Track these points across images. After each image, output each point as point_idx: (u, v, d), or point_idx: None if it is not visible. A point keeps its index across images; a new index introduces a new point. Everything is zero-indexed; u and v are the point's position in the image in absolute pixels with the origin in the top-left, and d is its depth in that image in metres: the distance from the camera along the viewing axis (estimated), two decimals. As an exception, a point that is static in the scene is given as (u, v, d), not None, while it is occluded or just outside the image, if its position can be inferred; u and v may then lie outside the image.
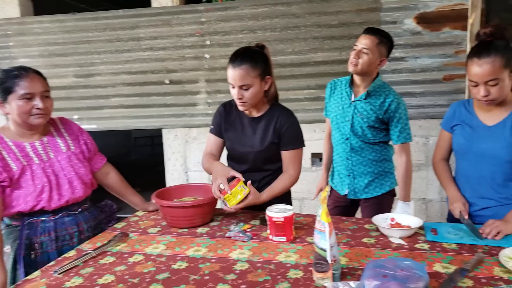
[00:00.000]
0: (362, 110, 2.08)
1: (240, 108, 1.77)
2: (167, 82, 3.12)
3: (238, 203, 1.65)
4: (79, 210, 1.72)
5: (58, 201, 1.61)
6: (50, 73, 3.28)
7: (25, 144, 1.62)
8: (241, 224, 1.74)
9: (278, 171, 1.89)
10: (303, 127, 2.99)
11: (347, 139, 2.15)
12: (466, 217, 1.61)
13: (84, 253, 1.49)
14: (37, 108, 1.58)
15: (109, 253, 1.52)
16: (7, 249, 1.58)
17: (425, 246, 1.46)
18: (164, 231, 1.72)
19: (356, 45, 2.01)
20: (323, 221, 1.21)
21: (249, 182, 1.68)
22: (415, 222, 1.60)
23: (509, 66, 1.51)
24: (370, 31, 2.02)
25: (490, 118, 1.66)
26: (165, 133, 3.24)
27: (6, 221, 1.61)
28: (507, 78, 1.53)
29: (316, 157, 3.12)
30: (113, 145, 6.92)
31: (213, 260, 1.43)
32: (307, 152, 3.08)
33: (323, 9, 2.86)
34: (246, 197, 1.67)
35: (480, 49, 1.53)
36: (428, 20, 2.78)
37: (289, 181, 1.82)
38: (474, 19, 2.72)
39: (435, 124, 2.87)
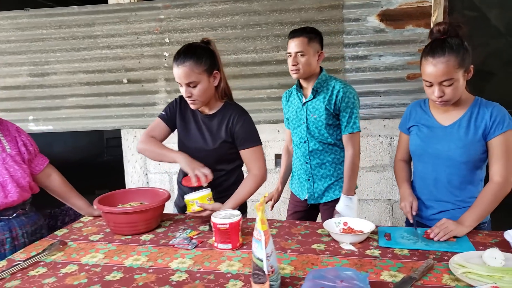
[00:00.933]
0: (314, 110, 2.05)
1: (192, 106, 1.72)
2: (125, 81, 2.99)
3: (199, 211, 1.65)
4: (14, 215, 1.61)
5: None
6: (3, 72, 3.15)
7: None
8: (188, 230, 1.65)
9: (232, 171, 1.85)
10: (266, 127, 2.95)
11: (305, 142, 2.12)
12: (414, 213, 1.58)
13: (15, 263, 1.38)
14: None
15: (42, 263, 1.41)
16: None
17: (376, 252, 1.39)
18: (107, 239, 1.62)
19: (289, 52, 1.99)
20: (259, 229, 1.13)
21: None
22: (367, 226, 1.54)
23: (463, 65, 1.46)
24: (295, 33, 2.00)
25: (446, 118, 1.61)
26: (124, 134, 3.11)
27: None
28: (462, 78, 1.48)
29: (280, 158, 3.04)
30: (85, 146, 6.75)
31: (151, 271, 1.33)
32: (270, 153, 3.01)
33: (284, 6, 2.79)
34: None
35: (434, 48, 1.48)
36: (391, 18, 2.73)
37: (253, 181, 1.77)
38: (437, 17, 2.69)
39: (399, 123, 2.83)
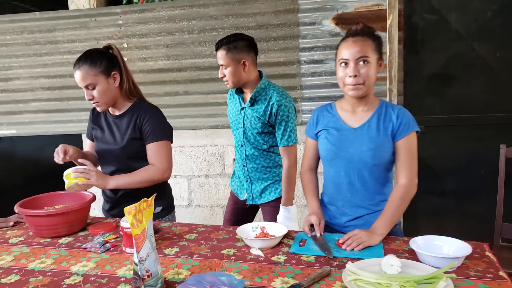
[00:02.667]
0: (250, 117, 2.05)
1: (98, 109, 1.81)
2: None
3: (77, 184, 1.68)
4: None
5: None
6: (-32, 78, 3.16)
7: None
8: (107, 234, 1.64)
9: None
10: (224, 131, 2.94)
11: (242, 146, 2.12)
12: (319, 234, 1.50)
13: None
14: None
15: None
16: None
17: (282, 258, 1.37)
18: (26, 241, 1.63)
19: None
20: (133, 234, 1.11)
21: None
22: (281, 231, 1.51)
23: (378, 52, 1.50)
24: (219, 45, 1.99)
25: (354, 120, 1.59)
26: (85, 139, 3.11)
27: None
28: (375, 65, 1.49)
29: (240, 163, 3.02)
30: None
31: (49, 274, 1.33)
32: (229, 157, 2.99)
33: (240, 11, 2.78)
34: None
35: (353, 31, 1.52)
36: (347, 21, 2.71)
37: (151, 172, 1.77)
38: (392, 20, 2.66)
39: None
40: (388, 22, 2.67)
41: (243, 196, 2.18)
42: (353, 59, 1.46)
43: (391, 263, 1.20)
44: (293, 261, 1.34)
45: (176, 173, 3.05)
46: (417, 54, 2.88)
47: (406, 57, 2.85)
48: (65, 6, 3.06)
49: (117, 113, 1.85)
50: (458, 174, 2.95)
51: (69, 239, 1.63)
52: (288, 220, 2.05)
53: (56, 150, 1.73)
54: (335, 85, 2.77)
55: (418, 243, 1.32)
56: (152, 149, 1.79)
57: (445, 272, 1.14)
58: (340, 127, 1.60)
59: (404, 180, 1.53)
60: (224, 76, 2.00)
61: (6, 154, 4.71)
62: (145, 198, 1.16)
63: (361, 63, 1.47)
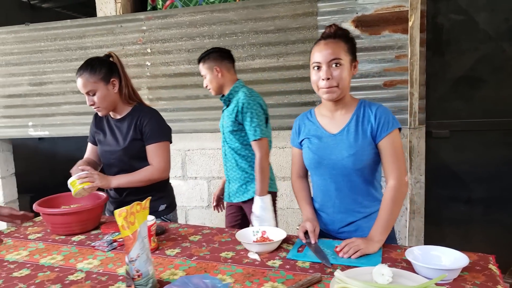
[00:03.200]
0: (225, 117, 2.25)
1: (99, 114, 1.92)
2: (112, 90, 3.13)
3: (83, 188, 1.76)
4: None
5: None
6: (7, 82, 3.39)
7: None
8: (116, 233, 1.71)
9: None
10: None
11: (223, 146, 2.34)
12: (313, 241, 1.48)
13: None
14: None
15: None
16: None
17: (278, 263, 1.37)
18: (43, 238, 1.73)
19: None
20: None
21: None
22: (279, 236, 1.52)
23: (351, 54, 1.48)
24: (198, 59, 2.31)
25: (333, 125, 1.56)
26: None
27: None
28: (348, 67, 1.47)
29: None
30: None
31: (56, 269, 1.40)
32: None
33: (259, 15, 2.80)
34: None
35: (326, 34, 1.51)
36: (367, 24, 2.67)
37: (150, 171, 1.87)
38: (414, 22, 2.59)
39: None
40: (410, 23, 2.60)
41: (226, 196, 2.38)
42: (326, 62, 1.44)
43: (382, 273, 1.18)
44: (288, 267, 1.34)
45: (197, 174, 3.12)
46: (442, 56, 2.79)
47: (430, 60, 2.76)
48: (93, 14, 3.21)
49: (118, 117, 1.94)
50: (486, 181, 2.82)
51: (82, 237, 1.71)
52: (263, 210, 2.16)
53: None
54: (354, 89, 2.73)
55: (415, 253, 1.28)
56: (151, 150, 1.88)
57: (437, 284, 1.11)
58: (320, 134, 1.58)
59: (393, 181, 1.49)
60: (207, 85, 2.30)
61: (48, 154, 4.99)
62: (138, 201, 1.20)
63: (334, 65, 1.44)
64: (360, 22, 2.67)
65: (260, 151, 2.17)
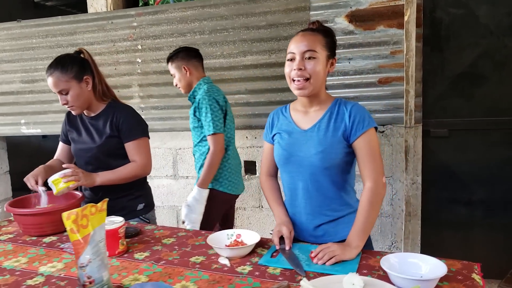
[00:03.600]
0: (190, 116, 2.36)
1: (73, 112, 1.86)
2: (102, 87, 3.08)
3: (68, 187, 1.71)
4: None
5: None
6: (0, 79, 3.36)
7: None
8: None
9: None
10: (235, 133, 2.88)
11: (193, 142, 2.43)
12: (288, 248, 1.40)
13: None
14: None
15: None
16: None
17: (247, 269, 1.29)
18: (13, 239, 1.68)
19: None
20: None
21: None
22: (252, 240, 1.44)
23: (328, 49, 1.41)
24: (167, 60, 2.39)
25: (306, 121, 1.50)
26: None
27: None
28: (324, 62, 1.40)
29: (250, 165, 2.96)
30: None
31: (17, 273, 1.35)
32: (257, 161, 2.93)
33: (250, 10, 2.72)
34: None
35: (305, 28, 1.47)
36: (361, 18, 2.56)
37: (133, 167, 1.84)
38: (409, 16, 2.48)
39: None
40: (406, 18, 2.49)
41: None
42: (300, 53, 1.38)
43: (353, 282, 1.09)
44: (257, 273, 1.26)
45: (188, 174, 3.06)
46: (440, 52, 2.67)
47: (428, 56, 2.65)
48: (85, 10, 3.17)
49: (92, 114, 1.90)
50: (487, 182, 2.70)
51: (54, 238, 1.66)
52: (196, 201, 2.22)
53: (27, 179, 1.78)
54: (349, 86, 2.64)
55: (391, 261, 1.19)
56: (132, 147, 1.85)
57: (410, 296, 1.02)
58: (291, 129, 1.51)
59: (369, 183, 1.41)
60: (177, 84, 2.37)
61: (51, 151, 4.99)
62: (93, 203, 1.13)
63: (308, 58, 1.38)
64: (354, 17, 2.57)
65: (213, 146, 2.21)
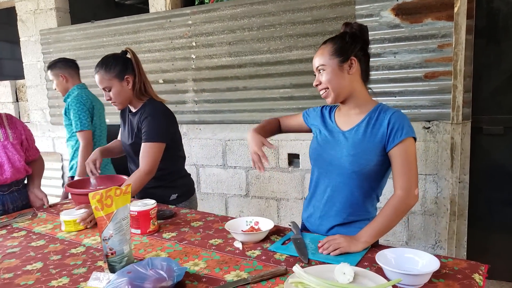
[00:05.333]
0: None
1: (116, 108, 2.05)
2: (161, 81, 3.34)
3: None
4: (8, 190, 2.02)
5: None
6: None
7: None
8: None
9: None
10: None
11: None
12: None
13: None
14: None
15: (8, 227, 1.79)
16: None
17: (256, 253, 1.41)
18: (70, 214, 1.93)
19: None
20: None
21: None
22: (266, 227, 1.53)
23: (339, 54, 1.45)
24: (48, 67, 2.91)
25: (346, 122, 1.55)
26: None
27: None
28: (337, 68, 1.45)
29: (294, 158, 3.03)
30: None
31: (65, 242, 1.59)
32: (283, 152, 3.02)
33: (297, 6, 2.77)
34: None
35: (325, 40, 1.54)
36: (407, 11, 2.49)
37: (136, 176, 1.90)
38: (459, 7, 2.37)
39: (416, 127, 2.56)
40: (455, 9, 2.38)
41: None
42: (315, 69, 1.51)
43: (344, 271, 1.15)
44: (263, 257, 1.36)
45: (236, 164, 3.21)
46: (497, 45, 2.51)
47: (483, 49, 2.50)
48: (147, 10, 3.44)
49: (133, 110, 2.05)
50: (547, 184, 2.50)
51: (101, 215, 1.90)
52: None
53: (87, 164, 2.02)
54: (393, 80, 2.59)
55: (388, 256, 1.22)
56: (143, 149, 1.94)
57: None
58: (331, 128, 1.57)
59: (400, 191, 1.41)
60: (56, 88, 2.94)
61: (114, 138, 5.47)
62: (117, 186, 1.31)
63: (320, 71, 1.49)
64: (401, 10, 2.51)
65: (81, 141, 2.75)
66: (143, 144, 1.94)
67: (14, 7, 4.18)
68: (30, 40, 4.12)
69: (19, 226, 1.80)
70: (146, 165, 1.92)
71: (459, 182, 2.53)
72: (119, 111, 2.16)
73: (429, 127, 2.56)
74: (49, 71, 2.86)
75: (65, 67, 2.86)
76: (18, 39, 4.21)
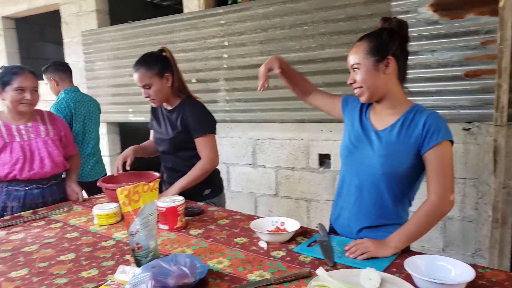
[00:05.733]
0: None
1: (153, 105, 2.10)
2: (194, 80, 3.37)
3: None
4: (48, 184, 2.10)
5: (28, 172, 2.00)
6: (115, 73, 3.90)
7: (12, 126, 2.05)
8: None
9: (192, 158, 2.06)
10: (310, 126, 2.93)
11: None
12: (323, 233, 1.44)
13: (27, 216, 1.89)
14: (26, 99, 2.00)
15: (47, 218, 1.87)
16: (-10, 209, 2.04)
17: (281, 254, 1.39)
18: (102, 209, 1.99)
19: None
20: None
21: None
22: (292, 229, 1.50)
23: (375, 54, 1.39)
24: (42, 71, 2.94)
25: (381, 122, 1.49)
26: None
27: (-9, 188, 2.06)
28: (370, 68, 1.39)
29: (324, 158, 2.97)
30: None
31: (97, 235, 1.63)
32: (313, 152, 2.97)
33: (330, 3, 2.71)
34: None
35: (361, 37, 1.46)
36: (447, 7, 2.38)
37: (199, 168, 2.02)
38: (505, 2, 2.23)
39: (454, 129, 2.46)
40: (501, 3, 2.25)
41: None
42: (350, 67, 1.45)
43: (370, 277, 1.11)
44: (288, 259, 1.34)
45: (265, 163, 3.19)
46: (547, 41, 2.35)
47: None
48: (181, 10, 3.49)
49: (169, 108, 2.08)
50: None
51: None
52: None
53: (118, 159, 2.08)
54: (431, 79, 2.49)
55: (418, 263, 1.16)
56: (199, 143, 2.02)
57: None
58: (365, 126, 1.51)
59: (434, 196, 1.34)
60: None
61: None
62: (145, 182, 1.32)
63: (355, 70, 1.43)
64: (440, 6, 2.40)
65: None
66: (198, 139, 2.02)
67: (59, 10, 4.36)
68: (73, 41, 4.29)
69: (56, 218, 1.87)
70: (208, 155, 2.01)
71: (502, 188, 2.39)
72: (151, 109, 2.23)
73: (469, 129, 2.44)
74: (44, 75, 2.97)
75: (56, 71, 2.97)
76: (62, 40, 4.39)
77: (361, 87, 1.42)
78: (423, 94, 2.50)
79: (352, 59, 1.42)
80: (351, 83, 1.45)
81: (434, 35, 2.44)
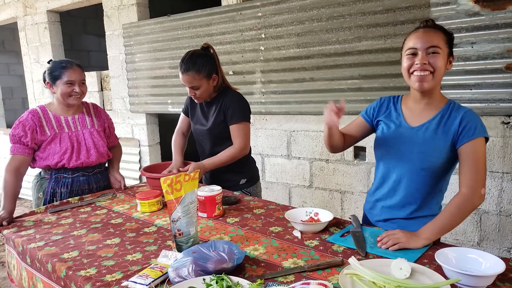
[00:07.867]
0: None
1: (196, 101, 2.17)
2: (231, 73, 3.44)
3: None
4: (93, 172, 2.25)
5: (75, 161, 2.16)
6: (154, 65, 4.04)
7: (61, 117, 2.20)
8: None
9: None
10: (345, 118, 2.93)
11: None
12: (355, 224, 1.48)
13: (75, 202, 2.05)
14: (75, 92, 2.15)
15: (92, 204, 2.02)
16: (41, 195, 2.20)
17: (314, 243, 1.46)
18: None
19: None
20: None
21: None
22: (325, 219, 1.56)
23: (448, 46, 1.42)
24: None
25: (415, 118, 1.52)
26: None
27: (42, 174, 2.23)
28: (445, 59, 1.41)
29: (360, 150, 2.98)
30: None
31: (140, 222, 1.76)
32: (348, 144, 2.97)
33: (367, -5, 2.70)
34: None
35: (424, 24, 1.47)
36: (490, -2, 2.33)
37: (230, 152, 2.10)
38: (552, -8, 2.16)
39: (493, 122, 2.41)
40: (546, -6, 2.17)
41: None
42: (423, 48, 1.39)
43: (401, 267, 1.16)
44: (321, 248, 1.40)
45: (300, 155, 3.24)
46: None
47: None
48: (219, 2, 3.56)
49: (208, 99, 2.16)
50: None
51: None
52: None
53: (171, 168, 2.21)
54: (469, 72, 2.44)
55: (449, 255, 1.19)
56: (233, 130, 2.10)
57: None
58: (399, 123, 1.54)
59: (466, 189, 1.38)
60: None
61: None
62: (186, 173, 1.42)
63: (431, 53, 1.38)
64: (481, -4, 2.35)
65: None
66: (232, 126, 2.10)
67: (101, 3, 4.54)
68: (114, 33, 4.46)
69: (101, 205, 2.01)
70: (240, 142, 2.09)
71: (542, 184, 2.34)
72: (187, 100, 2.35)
73: (508, 122, 2.38)
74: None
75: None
76: (104, 32, 4.58)
77: (433, 72, 1.39)
78: (461, 87, 2.46)
79: (431, 41, 1.38)
80: (423, 63, 1.37)
81: (474, 27, 2.38)
